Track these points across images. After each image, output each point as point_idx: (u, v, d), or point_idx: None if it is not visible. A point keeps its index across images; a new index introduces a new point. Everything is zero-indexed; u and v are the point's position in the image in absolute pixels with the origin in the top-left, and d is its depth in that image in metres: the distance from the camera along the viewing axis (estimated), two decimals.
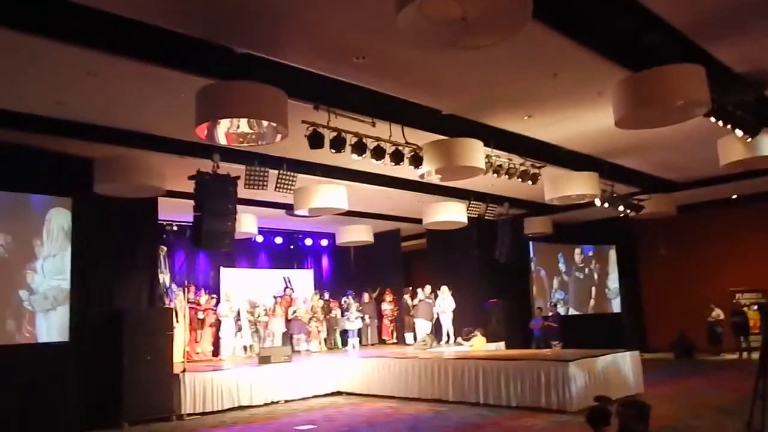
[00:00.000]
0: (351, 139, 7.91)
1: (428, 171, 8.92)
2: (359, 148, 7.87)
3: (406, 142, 8.61)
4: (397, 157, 8.33)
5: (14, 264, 8.67)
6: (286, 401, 10.40)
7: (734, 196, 14.87)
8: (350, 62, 6.80)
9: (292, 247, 17.29)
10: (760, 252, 15.49)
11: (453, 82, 7.61)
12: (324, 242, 17.72)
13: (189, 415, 9.34)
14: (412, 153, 8.57)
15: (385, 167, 9.36)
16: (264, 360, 10.81)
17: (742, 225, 15.76)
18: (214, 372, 10.06)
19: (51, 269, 9.00)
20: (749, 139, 9.16)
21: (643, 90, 6.82)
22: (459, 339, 13.71)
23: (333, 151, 7.72)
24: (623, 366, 9.39)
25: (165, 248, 11.82)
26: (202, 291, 14.13)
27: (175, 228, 14.10)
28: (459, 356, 10.59)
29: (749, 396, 8.58)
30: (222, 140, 7.12)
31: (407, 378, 10.25)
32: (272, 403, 10.21)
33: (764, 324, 4.87)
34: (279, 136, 7.03)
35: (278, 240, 16.70)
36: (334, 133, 7.65)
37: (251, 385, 10.18)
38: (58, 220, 9.15)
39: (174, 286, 12.76)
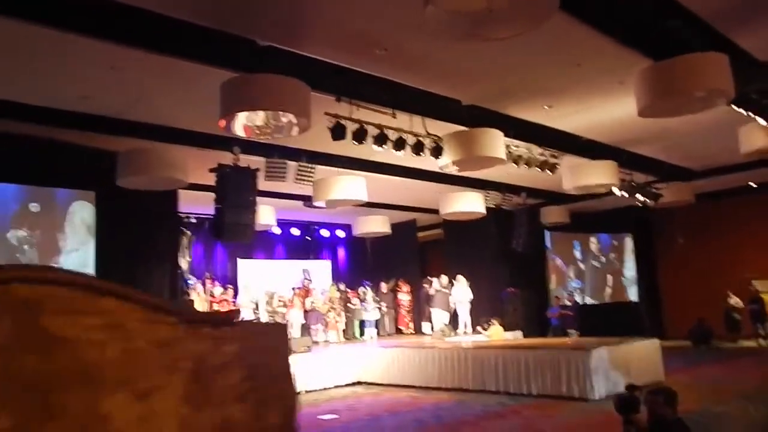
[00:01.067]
0: (372, 131, 7.94)
1: (446, 162, 8.96)
2: (380, 140, 7.91)
3: (427, 133, 8.63)
4: (417, 149, 8.36)
5: (41, 259, 8.82)
6: (307, 392, 10.51)
7: (752, 184, 14.76)
8: (372, 54, 6.83)
9: (308, 238, 17.40)
10: None
11: (474, 72, 7.62)
12: (340, 233, 17.81)
13: None
14: (433, 144, 8.58)
15: (402, 158, 9.41)
16: None
17: (760, 213, 15.64)
18: None
19: (74, 264, 9.13)
20: None
21: (667, 79, 6.78)
22: (478, 328, 13.76)
23: (355, 142, 7.76)
24: (643, 354, 9.40)
25: (190, 233, 11.91)
26: (216, 283, 14.28)
27: (193, 220, 14.22)
28: (479, 345, 10.66)
29: None
30: (240, 133, 7.20)
31: (427, 367, 10.34)
32: None
33: None
34: (296, 129, 7.09)
35: (295, 231, 16.80)
36: (356, 125, 7.69)
37: None
38: (81, 213, 9.29)
39: (192, 278, 12.92)
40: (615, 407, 4.27)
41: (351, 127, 7.66)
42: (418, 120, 8.62)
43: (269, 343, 2.11)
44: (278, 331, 2.41)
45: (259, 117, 6.97)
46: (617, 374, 8.66)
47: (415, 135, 8.54)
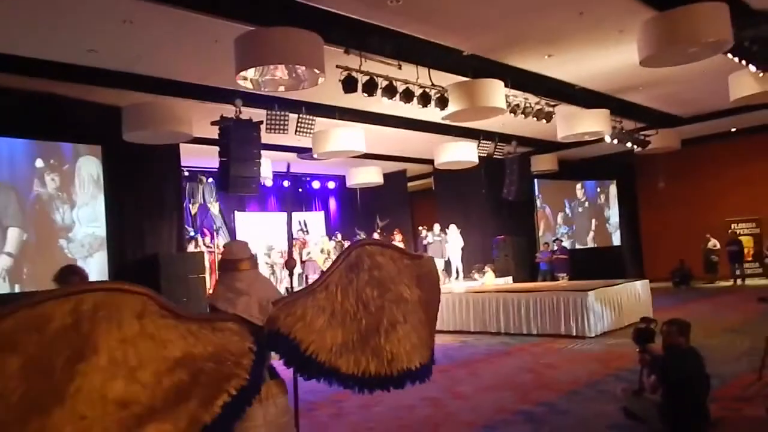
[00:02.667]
0: (381, 83, 8.03)
1: (451, 113, 9.12)
2: (390, 91, 8.02)
3: (432, 84, 8.75)
4: (424, 100, 8.48)
5: (57, 211, 8.91)
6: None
7: (733, 129, 15.24)
8: (385, 5, 6.86)
9: (300, 190, 17.52)
10: (754, 183, 16.03)
11: (480, 20, 7.68)
12: (331, 185, 17.95)
13: None
14: (438, 95, 8.71)
15: (397, 108, 9.52)
16: None
17: (738, 157, 16.21)
18: None
19: (85, 217, 9.23)
20: (761, 74, 9.42)
21: (671, 29, 6.98)
22: (473, 273, 14.25)
23: (365, 94, 7.85)
24: (635, 294, 9.98)
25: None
26: (216, 235, 14.42)
27: (186, 173, 14.22)
28: (479, 290, 11.13)
29: (754, 318, 9.29)
30: (253, 87, 7.24)
31: None
32: None
33: None
34: (309, 82, 7.17)
35: (286, 183, 16.90)
36: (366, 77, 7.76)
37: None
38: (88, 168, 9.30)
39: (191, 230, 13.04)
40: (633, 338, 4.66)
41: (362, 80, 7.73)
42: (422, 71, 8.72)
43: None
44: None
45: (273, 70, 7.01)
46: (611, 313, 9.22)
47: (421, 86, 8.65)
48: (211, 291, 11.81)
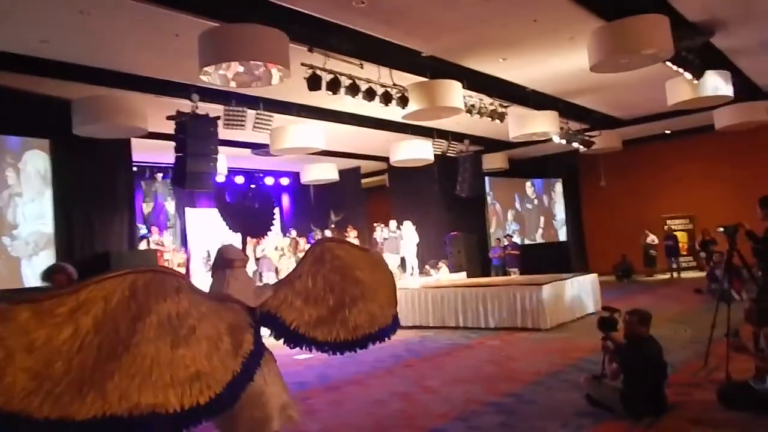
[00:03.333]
0: (345, 81, 8.09)
1: (410, 112, 9.28)
2: (353, 90, 8.10)
3: (394, 84, 8.88)
4: (386, 99, 8.60)
5: (4, 211, 8.48)
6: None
7: (668, 131, 16.16)
8: (350, 6, 6.93)
9: (252, 186, 17.26)
10: (689, 182, 17.06)
11: (440, 24, 7.88)
12: (285, 181, 17.81)
13: None
14: (399, 94, 8.85)
15: (354, 106, 9.61)
16: None
17: (674, 158, 17.19)
18: None
19: (31, 214, 8.83)
20: (695, 81, 10.07)
21: (619, 38, 7.45)
22: (427, 268, 14.49)
23: (330, 93, 7.89)
24: (585, 287, 10.46)
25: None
26: (165, 232, 14.05)
27: (134, 168, 13.80)
28: (437, 285, 11.35)
29: (693, 308, 9.93)
30: (219, 82, 7.17)
31: None
32: None
33: (729, 243, 5.71)
34: (276, 79, 7.15)
35: (239, 179, 16.65)
36: (331, 76, 7.80)
37: None
38: (34, 162, 8.90)
39: (143, 227, 12.68)
40: (597, 326, 4.95)
41: (325, 78, 7.76)
42: (383, 71, 8.83)
43: None
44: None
45: (236, 66, 6.95)
46: (564, 306, 9.64)
47: (383, 86, 8.76)
48: None
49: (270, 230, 3.78)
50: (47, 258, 8.88)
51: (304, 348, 2.92)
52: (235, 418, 2.87)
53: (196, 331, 2.56)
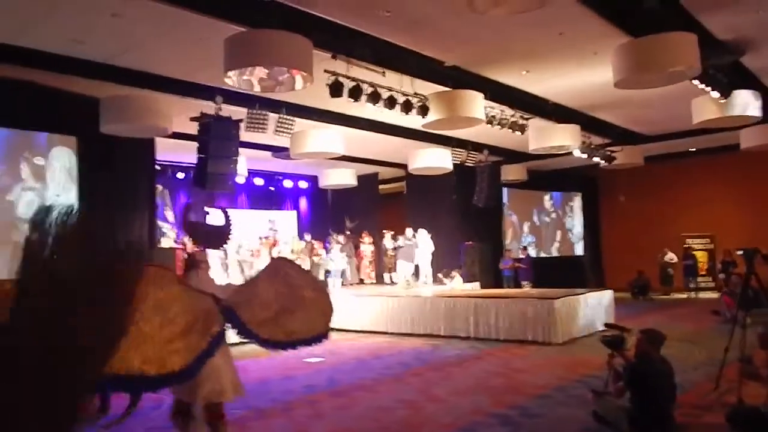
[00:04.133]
0: (366, 89, 8.18)
1: (431, 121, 9.34)
2: (374, 98, 8.18)
3: (415, 93, 8.94)
4: (406, 107, 8.66)
5: (30, 204, 8.72)
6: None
7: (692, 150, 15.99)
8: (375, 15, 7.02)
9: (272, 188, 17.48)
10: (710, 201, 16.84)
11: (463, 34, 7.92)
12: (303, 184, 17.97)
13: None
14: (420, 103, 8.91)
15: (375, 113, 9.69)
16: None
17: (696, 176, 17.00)
18: None
19: None
20: (722, 100, 9.97)
21: (645, 55, 7.40)
22: (440, 277, 14.50)
23: (351, 100, 7.98)
24: (598, 303, 10.39)
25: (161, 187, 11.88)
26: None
27: (157, 167, 14.05)
28: (449, 294, 11.37)
29: (707, 328, 9.81)
30: (244, 86, 7.31)
31: (401, 315, 10.98)
32: None
33: (747, 265, 5.66)
34: (299, 84, 7.28)
35: (259, 181, 16.84)
36: (353, 83, 7.90)
37: None
38: (61, 159, 9.12)
39: (166, 225, 12.90)
40: (606, 344, 4.94)
41: (348, 85, 7.86)
42: (405, 79, 8.91)
43: None
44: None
45: (261, 71, 7.08)
46: (576, 321, 9.59)
47: (404, 94, 8.83)
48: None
49: (226, 244, 5.00)
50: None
51: (249, 341, 3.46)
52: (196, 387, 3.78)
53: (180, 314, 3.06)
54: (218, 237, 4.59)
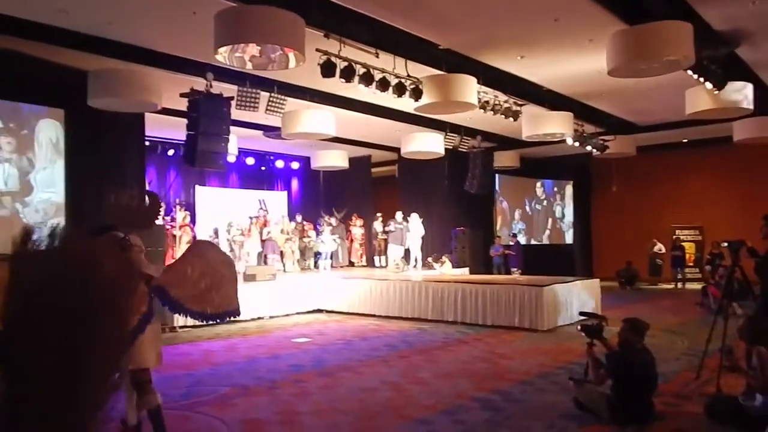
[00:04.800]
0: (359, 70, 8.08)
1: (423, 104, 9.26)
2: (367, 79, 8.08)
3: (408, 75, 8.85)
4: (399, 90, 8.58)
5: (20, 177, 8.62)
6: (271, 317, 10.97)
7: (685, 140, 16.00)
8: None
9: (263, 168, 17.37)
10: (701, 193, 16.90)
11: (459, 18, 7.84)
12: (295, 165, 17.87)
13: (182, 327, 9.75)
14: (413, 86, 8.83)
15: (368, 95, 9.59)
16: (249, 278, 11.25)
17: (688, 167, 17.04)
18: None
19: (42, 182, 8.95)
20: (716, 92, 9.94)
21: (640, 43, 7.35)
22: (430, 261, 14.52)
23: (343, 80, 7.89)
24: (585, 292, 10.44)
25: None
26: (177, 208, 14.15)
27: (146, 143, 13.89)
28: (438, 279, 11.38)
29: (691, 319, 9.89)
30: (234, 63, 7.20)
31: (388, 298, 11.00)
32: (258, 318, 10.74)
33: (733, 258, 5.68)
34: (291, 62, 7.18)
35: (250, 161, 16.72)
36: (345, 63, 7.80)
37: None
38: (47, 131, 9.00)
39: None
40: (581, 330, 4.96)
41: (339, 65, 7.76)
42: (399, 61, 8.81)
43: None
44: None
45: (253, 48, 6.97)
46: (563, 309, 9.64)
47: (397, 76, 8.74)
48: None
49: (153, 225, 5.41)
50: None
51: (180, 315, 4.18)
52: (127, 356, 4.10)
53: None
54: (143, 218, 4.66)
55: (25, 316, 2.15)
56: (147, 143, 13.67)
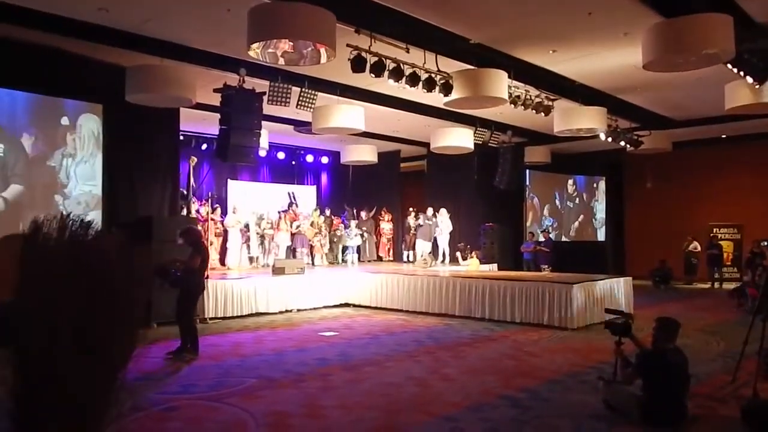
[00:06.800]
0: (389, 65, 8.08)
1: (453, 99, 9.21)
2: (397, 74, 8.08)
3: (438, 70, 8.82)
4: (429, 85, 8.55)
5: (53, 168, 8.89)
6: (299, 310, 11.09)
7: (723, 136, 15.54)
8: None
9: (293, 162, 17.53)
10: (739, 190, 16.41)
11: (490, 12, 7.76)
12: (324, 159, 17.99)
13: (212, 319, 9.94)
14: (443, 81, 8.79)
15: (397, 90, 9.58)
16: (278, 271, 11.39)
17: (725, 164, 16.56)
18: (234, 280, 10.62)
19: (82, 174, 9.23)
20: (757, 86, 9.63)
21: (676, 36, 7.14)
22: (458, 256, 14.47)
23: (373, 75, 7.90)
24: (617, 290, 10.27)
25: (195, 159, 11.98)
26: (205, 202, 14.39)
27: (181, 138, 14.15)
28: (466, 275, 11.34)
29: (728, 320, 9.64)
30: (267, 58, 7.27)
31: (416, 293, 11.00)
32: (287, 311, 10.89)
33: None
34: (323, 58, 7.22)
35: (281, 155, 16.90)
36: (375, 58, 7.81)
37: (267, 294, 10.79)
38: (88, 125, 9.28)
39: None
40: (611, 330, 4.89)
41: (370, 61, 7.78)
42: (429, 56, 8.78)
43: None
44: None
45: (285, 44, 7.04)
46: (593, 307, 9.50)
47: (427, 71, 8.71)
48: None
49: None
50: (96, 218, 9.26)
51: None
52: None
53: None
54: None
55: (38, 301, 2.22)
56: (181, 138, 14.06)
